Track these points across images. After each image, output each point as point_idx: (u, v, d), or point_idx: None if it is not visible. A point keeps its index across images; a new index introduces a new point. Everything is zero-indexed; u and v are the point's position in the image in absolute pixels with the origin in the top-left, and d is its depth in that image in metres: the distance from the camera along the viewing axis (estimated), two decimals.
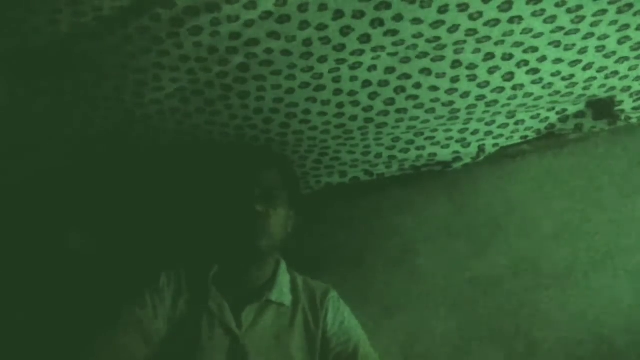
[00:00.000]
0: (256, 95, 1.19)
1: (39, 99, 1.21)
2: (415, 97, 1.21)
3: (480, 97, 1.23)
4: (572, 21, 1.02)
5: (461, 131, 1.38)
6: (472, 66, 1.13)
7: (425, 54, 1.09)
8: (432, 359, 1.46)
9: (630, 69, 1.18)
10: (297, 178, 1.42)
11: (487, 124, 1.36)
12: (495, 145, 1.45)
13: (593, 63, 1.15)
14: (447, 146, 1.44)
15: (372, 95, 1.20)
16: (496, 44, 1.07)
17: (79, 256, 1.59)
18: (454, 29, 1.02)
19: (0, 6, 0.96)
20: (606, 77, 1.20)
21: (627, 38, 1.08)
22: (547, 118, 1.38)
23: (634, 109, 1.34)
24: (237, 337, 1.19)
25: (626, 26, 1.05)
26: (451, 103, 1.24)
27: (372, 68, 1.12)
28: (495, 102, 1.25)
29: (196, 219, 1.55)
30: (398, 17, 0.99)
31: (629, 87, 1.26)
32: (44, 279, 1.57)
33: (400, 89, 1.19)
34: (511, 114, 1.34)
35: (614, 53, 1.12)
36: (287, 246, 1.31)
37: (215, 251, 1.30)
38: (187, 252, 1.38)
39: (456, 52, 1.09)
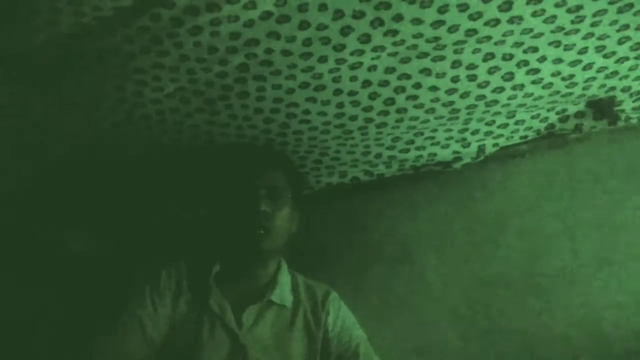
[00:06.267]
0: (256, 95, 1.19)
1: (39, 99, 1.21)
2: (415, 97, 1.21)
3: (480, 97, 1.23)
4: (572, 21, 1.02)
5: (461, 131, 1.38)
6: (472, 66, 1.13)
7: (425, 54, 1.09)
8: (432, 359, 1.46)
9: (630, 69, 1.18)
10: (301, 178, 1.42)
11: (487, 124, 1.36)
12: (495, 145, 1.45)
13: (593, 63, 1.15)
14: (447, 146, 1.44)
15: (372, 95, 1.20)
16: (496, 44, 1.07)
17: (79, 256, 1.59)
18: (454, 29, 1.02)
19: (0, 6, 0.96)
20: (606, 77, 1.20)
21: (627, 38, 1.08)
22: (547, 118, 1.38)
23: (634, 109, 1.34)
24: (237, 337, 1.19)
25: (626, 26, 1.05)
26: (451, 103, 1.24)
27: (372, 68, 1.12)
28: (495, 102, 1.25)
29: (199, 218, 1.55)
30: (398, 17, 0.99)
31: (629, 87, 1.26)
32: (44, 279, 1.57)
33: (400, 89, 1.19)
34: (511, 114, 1.34)
35: (614, 53, 1.12)
36: (289, 246, 1.31)
37: (218, 250, 1.30)
38: (189, 251, 1.38)
39: (456, 52, 1.09)
